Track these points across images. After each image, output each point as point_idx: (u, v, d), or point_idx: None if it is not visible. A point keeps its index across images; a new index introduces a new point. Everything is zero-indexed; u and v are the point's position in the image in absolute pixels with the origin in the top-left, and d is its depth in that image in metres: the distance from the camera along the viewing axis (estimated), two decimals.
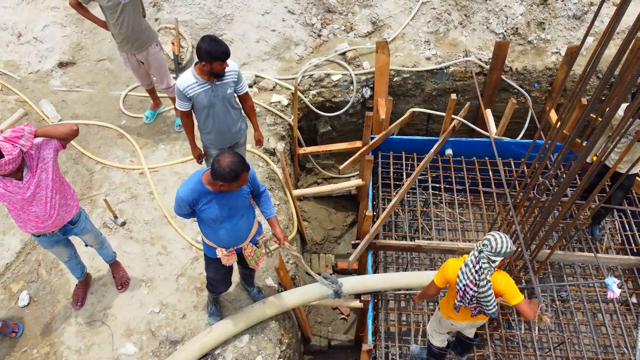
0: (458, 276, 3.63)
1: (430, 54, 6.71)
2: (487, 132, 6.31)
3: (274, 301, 4.55)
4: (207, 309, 4.55)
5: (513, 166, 6.52)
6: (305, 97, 6.59)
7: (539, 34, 6.75)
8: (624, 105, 4.59)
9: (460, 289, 3.61)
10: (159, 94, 6.10)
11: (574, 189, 3.72)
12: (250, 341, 4.44)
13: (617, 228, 6.31)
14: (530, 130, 6.94)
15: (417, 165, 6.26)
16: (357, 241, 5.41)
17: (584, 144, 3.66)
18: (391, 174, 6.51)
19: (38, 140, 3.47)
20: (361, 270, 5.97)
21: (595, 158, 5.04)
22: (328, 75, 6.60)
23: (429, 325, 4.62)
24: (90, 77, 6.56)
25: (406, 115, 6.56)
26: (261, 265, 4.91)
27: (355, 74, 6.57)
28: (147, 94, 6.04)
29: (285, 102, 6.37)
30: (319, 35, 6.98)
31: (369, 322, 5.07)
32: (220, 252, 3.75)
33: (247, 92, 4.43)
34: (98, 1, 4.88)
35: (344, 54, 6.74)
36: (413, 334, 5.54)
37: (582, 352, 5.31)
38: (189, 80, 4.06)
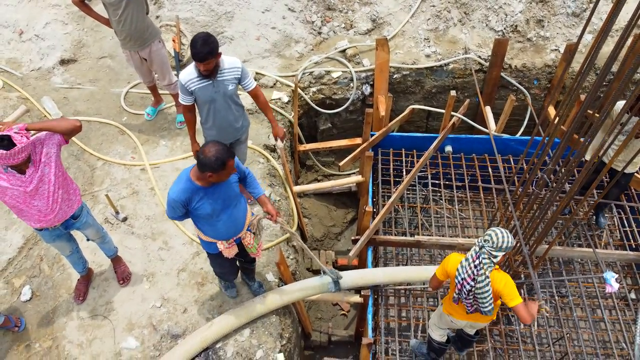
0: (457, 270, 3.66)
1: (429, 52, 6.74)
2: (487, 129, 6.34)
3: (275, 295, 4.58)
4: (221, 284, 4.61)
5: (512, 163, 6.55)
6: (306, 94, 6.62)
7: (538, 31, 6.78)
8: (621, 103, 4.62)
9: (459, 282, 3.65)
10: (160, 91, 6.13)
11: (575, 185, 3.75)
12: (251, 335, 4.48)
13: (616, 224, 6.34)
14: (530, 127, 6.97)
15: (417, 162, 6.29)
16: (357, 237, 5.44)
17: (584, 140, 3.69)
18: (391, 171, 6.54)
19: (41, 135, 3.51)
20: (361, 266, 6.00)
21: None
22: (328, 72, 6.64)
23: (430, 319, 4.66)
24: (91, 75, 6.60)
25: (406, 112, 6.59)
26: (262, 260, 4.96)
27: (355, 71, 6.60)
28: (149, 91, 6.07)
29: (286, 99, 6.41)
30: (319, 33, 7.01)
31: (369, 317, 5.10)
32: (221, 245, 3.78)
33: (256, 87, 4.41)
34: None
35: (344, 51, 6.77)
36: (413, 330, 5.57)
37: (581, 347, 5.34)
38: (191, 74, 4.09)
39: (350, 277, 4.79)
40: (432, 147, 6.29)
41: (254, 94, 4.46)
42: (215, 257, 3.98)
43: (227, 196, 3.59)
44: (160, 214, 5.23)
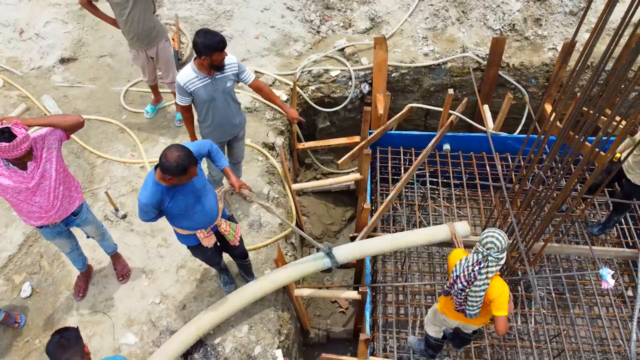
0: (455, 266, 3.71)
1: (428, 50, 6.77)
2: (485, 127, 6.37)
3: (268, 277, 4.49)
4: (219, 280, 4.64)
5: (510, 161, 6.58)
6: (304, 92, 6.65)
7: (535, 30, 6.81)
8: None
9: (452, 277, 3.71)
10: (160, 90, 6.16)
11: (570, 181, 3.79)
12: (250, 331, 4.51)
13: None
14: (528, 125, 6.99)
15: (415, 160, 6.32)
16: (355, 234, 5.47)
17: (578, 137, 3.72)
18: (389, 169, 6.58)
19: (43, 130, 3.54)
20: (359, 265, 6.03)
21: (619, 155, 5.11)
22: (327, 71, 6.67)
23: (426, 315, 4.70)
24: (91, 73, 6.63)
25: (404, 110, 6.62)
26: (260, 257, 4.99)
27: (354, 70, 6.63)
28: (148, 90, 6.10)
29: (285, 97, 6.43)
30: (318, 32, 7.05)
31: (367, 314, 5.14)
32: (201, 234, 3.80)
33: (256, 79, 4.43)
34: None
35: (342, 50, 6.80)
36: (411, 326, 5.60)
37: (577, 344, 5.37)
38: (189, 75, 4.11)
39: (344, 251, 4.56)
40: (430, 145, 6.32)
41: (256, 86, 4.46)
42: (196, 248, 4.02)
43: (197, 188, 3.62)
44: None
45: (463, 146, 6.66)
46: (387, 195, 6.05)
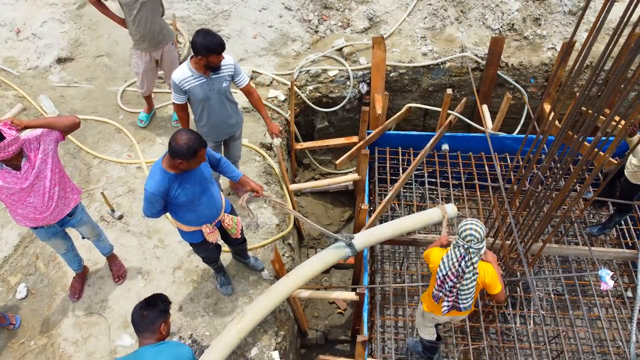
0: (439, 266, 3.69)
1: (426, 50, 6.74)
2: (483, 127, 6.34)
3: (295, 273, 4.47)
4: (216, 281, 4.62)
5: (509, 161, 6.56)
6: (302, 92, 6.62)
7: (534, 29, 6.78)
8: None
9: (439, 277, 3.68)
10: (161, 90, 6.11)
11: (569, 181, 3.76)
12: None
13: None
14: (527, 125, 6.97)
15: (414, 160, 6.29)
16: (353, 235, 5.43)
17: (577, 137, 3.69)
18: (387, 169, 6.54)
19: (38, 131, 3.51)
20: (357, 264, 6.00)
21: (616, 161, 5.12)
22: (325, 70, 6.64)
23: (415, 321, 4.68)
24: (88, 73, 6.60)
25: (403, 110, 6.59)
26: (259, 257, 4.96)
27: (352, 70, 6.61)
28: None
29: (282, 97, 6.41)
30: (316, 32, 7.02)
31: (365, 315, 5.11)
32: (206, 229, 3.79)
33: (249, 84, 4.43)
34: None
35: (340, 49, 6.77)
36: (409, 327, 5.57)
37: (577, 345, 5.34)
38: (184, 73, 4.10)
39: (361, 238, 4.76)
40: (428, 145, 6.29)
41: (247, 91, 4.48)
42: (200, 245, 4.00)
43: (204, 177, 3.61)
44: None
45: (462, 146, 6.63)
46: (385, 195, 6.02)
